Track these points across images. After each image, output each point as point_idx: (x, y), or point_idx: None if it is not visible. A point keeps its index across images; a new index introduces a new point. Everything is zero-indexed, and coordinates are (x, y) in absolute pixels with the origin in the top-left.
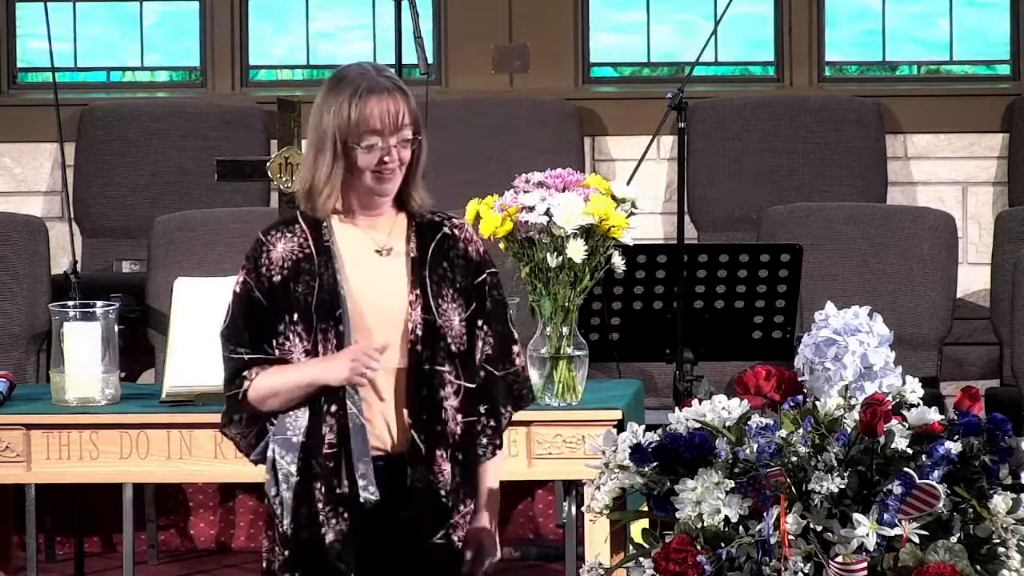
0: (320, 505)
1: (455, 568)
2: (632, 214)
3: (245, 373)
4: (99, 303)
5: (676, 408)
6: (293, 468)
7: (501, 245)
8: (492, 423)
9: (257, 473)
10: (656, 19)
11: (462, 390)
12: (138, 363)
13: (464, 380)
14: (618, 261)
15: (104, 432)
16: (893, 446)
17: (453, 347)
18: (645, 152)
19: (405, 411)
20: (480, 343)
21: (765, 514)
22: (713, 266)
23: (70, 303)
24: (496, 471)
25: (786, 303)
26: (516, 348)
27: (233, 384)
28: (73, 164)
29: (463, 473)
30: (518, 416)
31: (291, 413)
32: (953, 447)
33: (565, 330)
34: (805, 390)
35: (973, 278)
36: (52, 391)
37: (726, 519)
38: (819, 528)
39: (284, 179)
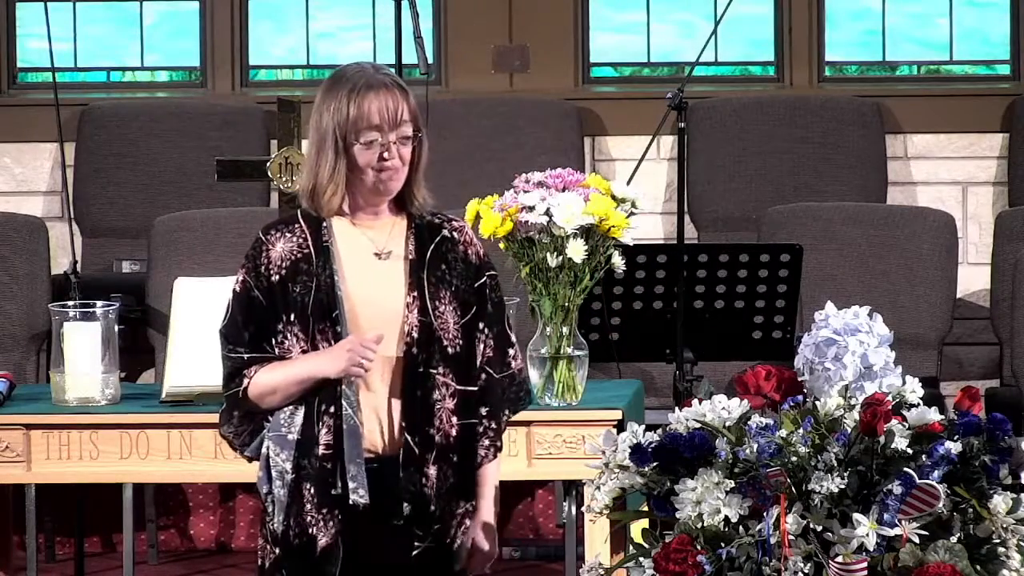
0: (311, 506)
1: (447, 569)
2: (632, 214)
3: (245, 372)
4: (99, 303)
5: (676, 408)
6: (288, 466)
7: (501, 245)
8: (493, 425)
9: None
10: (656, 19)
11: (458, 393)
12: (138, 363)
13: (461, 383)
14: (618, 261)
15: (104, 432)
16: (893, 446)
17: (450, 350)
18: (645, 152)
19: (399, 414)
20: (481, 346)
21: (765, 514)
22: (713, 266)
23: (70, 303)
24: (496, 472)
25: (786, 303)
26: (512, 351)
27: (232, 383)
28: (73, 164)
29: (458, 475)
30: (518, 416)
31: (286, 410)
32: (953, 447)
33: (565, 330)
34: (805, 390)
35: (973, 278)
36: (52, 391)
37: (726, 519)
38: (819, 528)
39: (284, 179)
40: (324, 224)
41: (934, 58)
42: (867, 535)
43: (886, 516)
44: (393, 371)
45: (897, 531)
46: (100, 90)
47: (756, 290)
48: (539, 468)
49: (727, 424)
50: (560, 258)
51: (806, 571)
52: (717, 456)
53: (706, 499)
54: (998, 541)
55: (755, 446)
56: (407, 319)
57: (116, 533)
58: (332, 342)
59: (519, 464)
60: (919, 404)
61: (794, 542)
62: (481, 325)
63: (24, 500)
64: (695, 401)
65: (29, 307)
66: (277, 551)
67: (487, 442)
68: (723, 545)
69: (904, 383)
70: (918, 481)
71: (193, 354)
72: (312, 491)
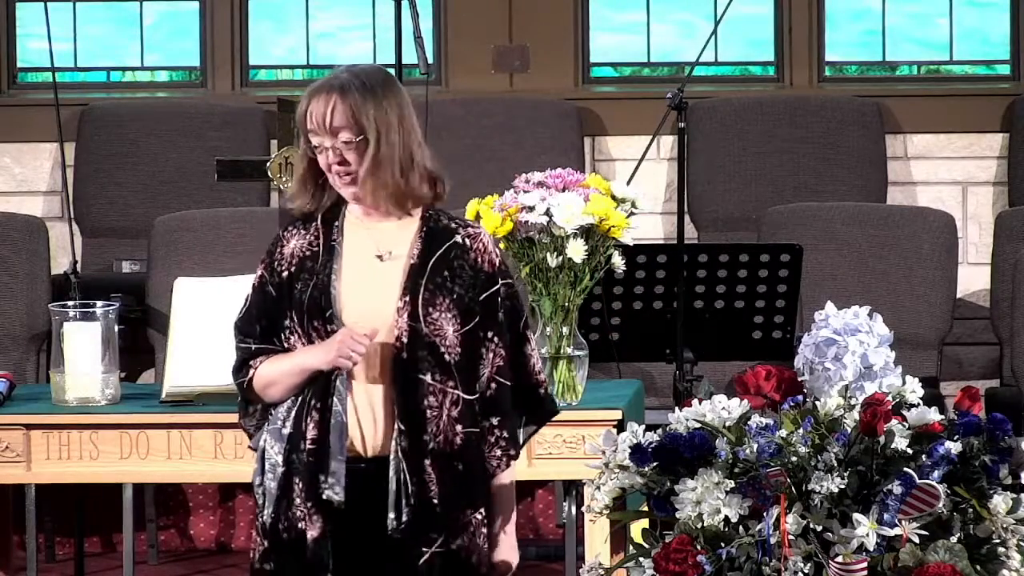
0: (298, 501)
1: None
2: (632, 214)
3: (251, 363)
4: (99, 303)
5: (676, 408)
6: (279, 459)
7: (501, 245)
8: (505, 435)
9: None
10: (656, 19)
11: (462, 401)
12: (138, 363)
13: (463, 391)
14: (618, 261)
15: (104, 432)
16: (893, 446)
17: (447, 357)
18: (645, 152)
19: (384, 417)
20: (490, 355)
21: (765, 514)
22: (713, 266)
23: (70, 303)
24: (510, 481)
25: (786, 303)
26: (532, 361)
27: (240, 373)
28: (73, 164)
29: (465, 483)
30: None
31: (285, 404)
32: (953, 447)
33: (565, 330)
34: (805, 390)
35: (973, 278)
36: (52, 391)
37: (726, 519)
38: (819, 528)
39: (284, 179)
40: (336, 223)
41: (934, 58)
42: (867, 535)
43: (886, 516)
44: (382, 374)
45: (897, 531)
46: (100, 90)
47: (756, 290)
48: (539, 468)
49: (727, 424)
50: (560, 258)
51: (806, 571)
52: (717, 456)
53: (706, 499)
54: (998, 541)
55: (755, 446)
56: (397, 323)
57: (116, 533)
58: (325, 339)
59: (519, 464)
60: (919, 404)
61: (794, 542)
62: (490, 334)
63: (24, 500)
64: (695, 401)
65: (29, 307)
66: (266, 543)
67: (499, 452)
68: (723, 545)
69: (904, 383)
70: (918, 481)
71: (193, 354)
72: (301, 486)
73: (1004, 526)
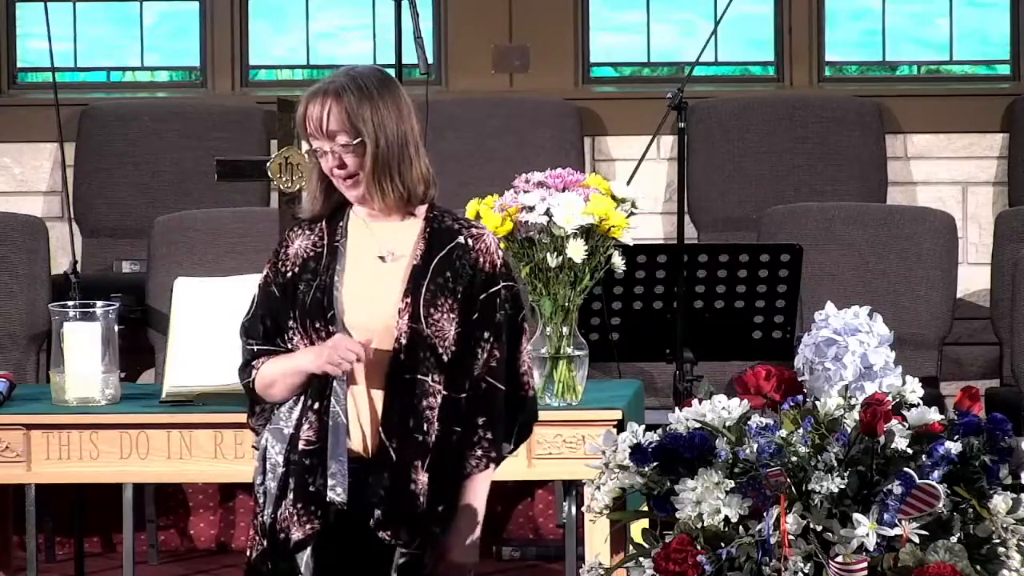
0: (295, 501)
1: None
2: (632, 214)
3: (254, 363)
4: (99, 303)
5: (676, 408)
6: (280, 459)
7: (501, 245)
8: (489, 436)
9: None
10: (656, 19)
11: (444, 398)
12: (138, 363)
13: (448, 389)
14: (618, 261)
15: (104, 432)
16: (893, 446)
17: (444, 357)
18: (645, 152)
19: (382, 417)
20: (484, 355)
21: (765, 514)
22: (713, 266)
23: (70, 303)
24: (485, 483)
25: (786, 303)
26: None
27: (244, 374)
28: (73, 164)
29: (445, 481)
30: None
31: (287, 404)
32: (953, 447)
33: (565, 330)
34: (805, 390)
35: (973, 278)
36: (52, 391)
37: (726, 519)
38: (819, 528)
39: (284, 179)
40: (341, 223)
41: (934, 58)
42: (867, 535)
43: (886, 516)
44: (382, 375)
45: (897, 531)
46: (100, 90)
47: (756, 290)
48: (539, 468)
49: (727, 424)
50: (560, 258)
51: (806, 571)
52: (717, 456)
53: (706, 499)
54: (998, 541)
55: (755, 446)
56: (398, 324)
57: (116, 533)
58: (325, 339)
59: (519, 464)
60: (919, 404)
61: (794, 542)
62: (487, 335)
63: (24, 500)
64: (695, 401)
65: (29, 307)
66: (264, 543)
67: (480, 452)
68: (723, 545)
69: (904, 383)
70: (918, 481)
71: (193, 354)
72: (297, 486)
73: (1004, 526)
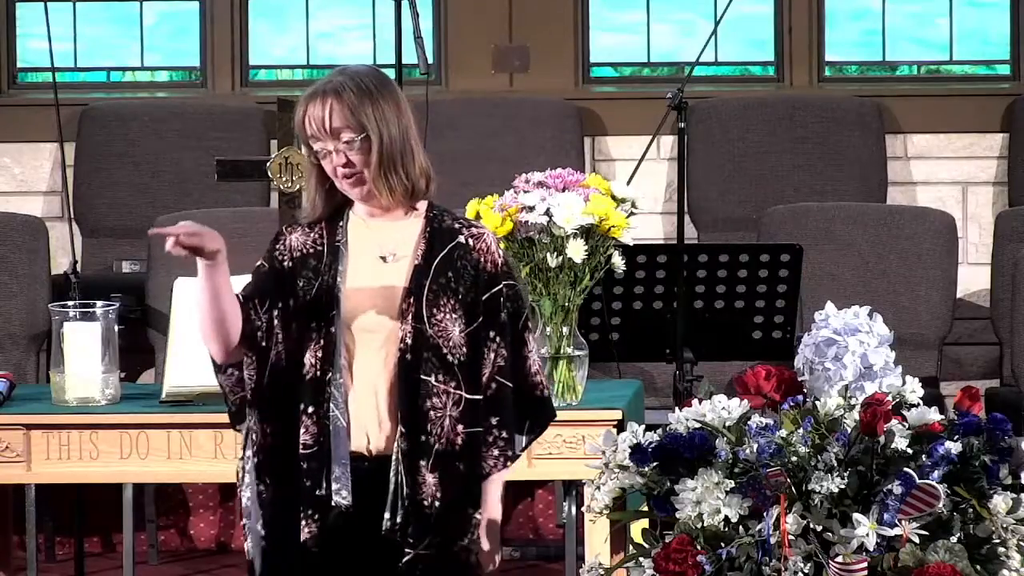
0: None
1: None
2: (632, 214)
3: None
4: (99, 303)
5: (676, 408)
6: (250, 464)
7: (501, 245)
8: (504, 435)
9: None
10: (656, 19)
11: (465, 402)
12: (138, 363)
13: (469, 392)
14: (618, 261)
15: (104, 432)
16: (893, 446)
17: (450, 358)
18: (645, 152)
19: (389, 418)
20: (492, 355)
21: (765, 514)
22: (713, 266)
23: (70, 303)
24: (502, 483)
25: (786, 303)
26: (531, 363)
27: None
28: (73, 164)
29: (465, 483)
30: None
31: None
32: (953, 447)
33: (565, 330)
34: (805, 390)
35: (973, 278)
36: (52, 391)
37: (726, 519)
38: (819, 528)
39: (284, 179)
40: (340, 223)
41: (934, 58)
42: (867, 535)
43: (886, 516)
44: (387, 376)
45: (897, 531)
46: (100, 90)
47: (756, 290)
48: (539, 468)
49: (727, 424)
50: (560, 258)
51: (806, 571)
52: (717, 456)
53: (706, 499)
54: (998, 541)
55: (755, 446)
56: (401, 325)
57: (116, 533)
58: (323, 340)
59: (519, 464)
60: (919, 404)
61: (794, 542)
62: (492, 334)
63: (24, 500)
64: (695, 401)
65: (29, 307)
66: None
67: (496, 452)
68: (723, 545)
69: (904, 383)
70: (918, 481)
71: (193, 354)
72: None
73: (1004, 526)
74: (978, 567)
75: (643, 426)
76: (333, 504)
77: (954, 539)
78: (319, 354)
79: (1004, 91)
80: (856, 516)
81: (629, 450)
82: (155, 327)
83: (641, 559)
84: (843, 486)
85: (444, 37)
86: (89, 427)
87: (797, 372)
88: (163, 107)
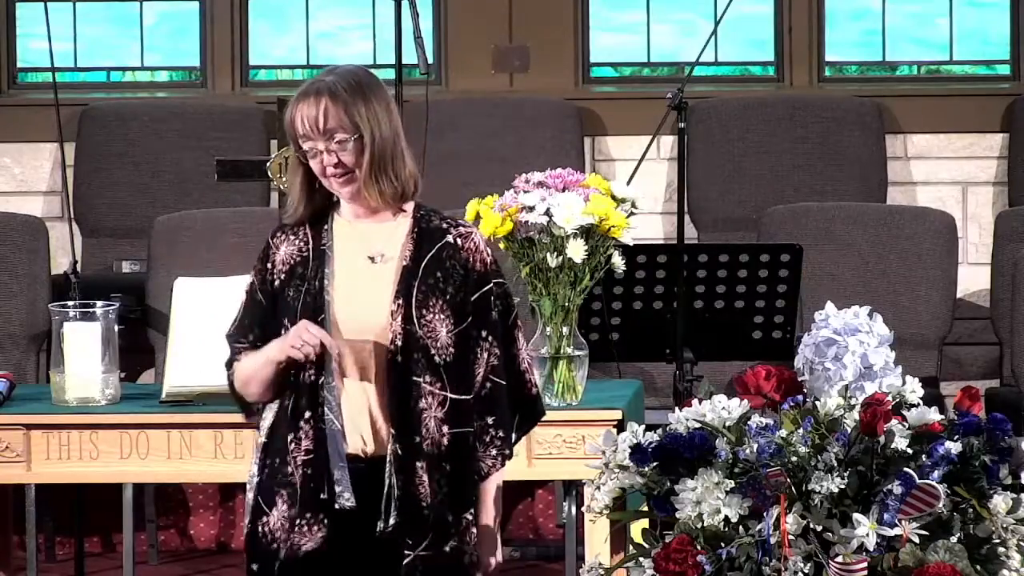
0: (296, 511)
1: None
2: (632, 214)
3: (236, 360)
4: (99, 303)
5: (676, 408)
6: (255, 468)
7: (501, 245)
8: (500, 434)
9: None
10: (656, 19)
11: (448, 401)
12: (138, 363)
13: (454, 392)
14: (618, 261)
15: (104, 432)
16: (893, 446)
17: (437, 358)
18: (645, 152)
19: (382, 420)
20: (485, 355)
21: (765, 514)
22: (713, 266)
23: (70, 303)
24: (499, 479)
25: (786, 303)
26: (520, 361)
27: (227, 376)
28: (73, 164)
29: (455, 484)
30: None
31: (265, 416)
32: (953, 447)
33: (565, 330)
34: (805, 390)
35: (973, 278)
36: (52, 391)
37: (726, 519)
38: (819, 528)
39: (284, 179)
40: (325, 227)
41: (934, 58)
42: (867, 535)
43: (886, 516)
44: (376, 377)
45: (897, 531)
46: (100, 90)
47: (756, 290)
48: (539, 468)
49: (727, 424)
50: (560, 258)
51: (806, 571)
52: (717, 456)
53: (706, 499)
54: (998, 541)
55: (755, 446)
56: (391, 326)
57: (116, 533)
58: None
59: (519, 464)
60: (919, 404)
61: (794, 542)
62: (484, 333)
63: (24, 500)
64: (695, 401)
65: (29, 307)
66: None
67: (494, 451)
68: (723, 545)
69: (904, 383)
70: (918, 481)
71: (193, 354)
72: (293, 496)
73: (1004, 526)
74: (978, 567)
75: (643, 426)
76: (336, 507)
77: (954, 539)
78: (311, 359)
79: (1004, 91)
80: (856, 516)
81: (629, 450)
82: (155, 327)
83: (641, 559)
84: (843, 486)
85: (444, 37)
86: (89, 427)
87: (797, 372)
88: (163, 107)
